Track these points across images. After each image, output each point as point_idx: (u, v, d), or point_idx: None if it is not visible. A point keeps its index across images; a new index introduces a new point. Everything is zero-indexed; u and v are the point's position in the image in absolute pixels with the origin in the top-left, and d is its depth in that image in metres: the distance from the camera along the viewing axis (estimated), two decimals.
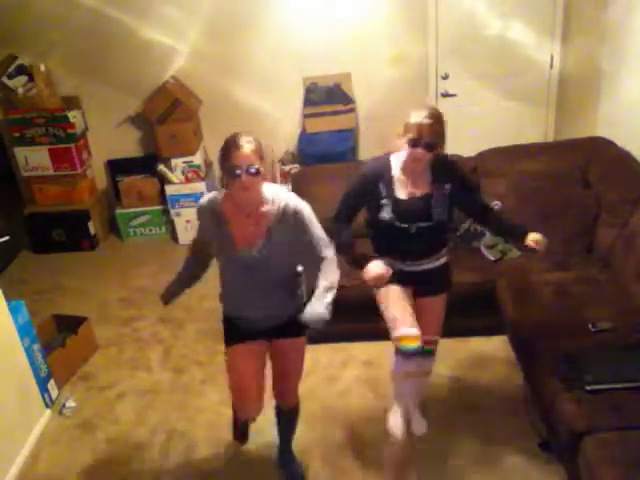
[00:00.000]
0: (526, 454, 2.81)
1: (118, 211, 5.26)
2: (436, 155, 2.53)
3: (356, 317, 3.43)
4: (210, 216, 2.31)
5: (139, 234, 5.31)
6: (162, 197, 5.14)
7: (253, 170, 2.12)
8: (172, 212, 5.07)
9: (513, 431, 2.94)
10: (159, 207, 5.21)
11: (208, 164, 5.23)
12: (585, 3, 4.48)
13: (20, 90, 4.83)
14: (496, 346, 3.48)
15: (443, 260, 2.73)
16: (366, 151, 5.06)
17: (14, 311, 3.15)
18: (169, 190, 5.02)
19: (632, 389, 2.47)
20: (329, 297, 2.26)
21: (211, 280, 2.69)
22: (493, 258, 3.58)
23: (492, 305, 3.34)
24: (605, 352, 2.69)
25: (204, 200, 2.34)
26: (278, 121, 5.08)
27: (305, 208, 2.30)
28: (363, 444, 2.97)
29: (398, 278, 2.64)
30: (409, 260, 2.66)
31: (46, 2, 4.77)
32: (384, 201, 2.56)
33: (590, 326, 2.87)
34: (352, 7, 4.74)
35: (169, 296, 2.66)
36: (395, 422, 2.74)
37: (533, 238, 2.62)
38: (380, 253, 2.68)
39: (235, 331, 2.49)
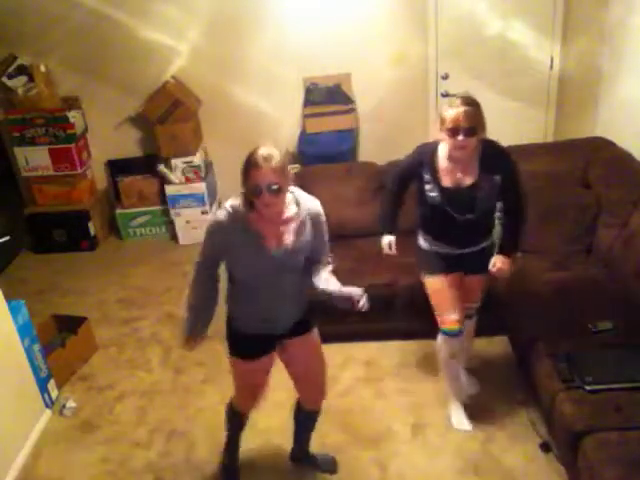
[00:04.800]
0: (526, 454, 2.80)
1: (118, 211, 5.26)
2: (487, 142, 2.54)
3: (356, 317, 3.42)
4: (232, 229, 2.21)
5: (139, 234, 5.30)
6: (162, 197, 5.14)
7: (274, 188, 2.08)
8: (172, 212, 5.07)
9: (513, 431, 2.94)
10: (159, 207, 5.21)
11: (208, 164, 5.23)
12: (585, 3, 4.48)
13: (20, 90, 4.83)
14: (496, 346, 3.48)
15: (489, 242, 2.79)
16: (366, 151, 5.06)
17: (14, 311, 3.15)
18: (169, 190, 5.02)
19: (632, 389, 2.47)
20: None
21: None
22: None
23: (492, 305, 3.33)
24: (605, 352, 2.70)
25: (222, 216, 2.20)
26: (278, 121, 5.07)
27: (323, 214, 2.34)
28: (363, 444, 2.98)
29: (444, 263, 2.76)
30: (455, 246, 2.74)
31: (46, 2, 4.76)
32: (428, 186, 2.64)
33: (590, 326, 2.87)
34: (352, 7, 4.74)
35: (192, 331, 2.40)
36: (459, 419, 2.97)
37: (499, 263, 2.71)
38: (425, 232, 2.80)
39: (246, 346, 2.45)
